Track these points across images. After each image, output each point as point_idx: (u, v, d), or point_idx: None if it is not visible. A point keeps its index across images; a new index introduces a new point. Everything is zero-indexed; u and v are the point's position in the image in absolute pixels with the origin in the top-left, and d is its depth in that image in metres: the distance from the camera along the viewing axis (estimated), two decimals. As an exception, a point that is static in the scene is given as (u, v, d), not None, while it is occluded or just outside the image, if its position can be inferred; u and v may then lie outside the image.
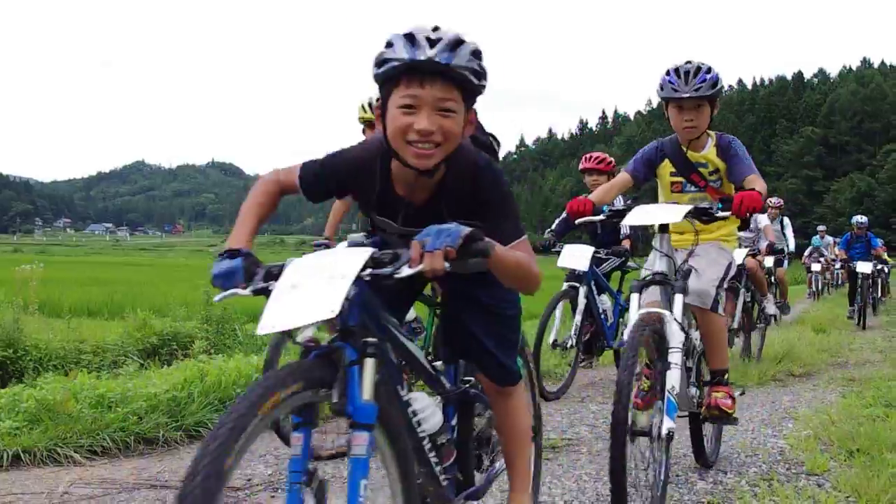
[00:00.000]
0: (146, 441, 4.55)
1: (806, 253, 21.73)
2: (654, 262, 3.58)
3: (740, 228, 4.48)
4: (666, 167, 4.14)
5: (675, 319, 3.32)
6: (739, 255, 7.52)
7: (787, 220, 12.12)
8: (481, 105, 2.22)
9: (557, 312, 6.39)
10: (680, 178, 4.11)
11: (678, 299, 3.43)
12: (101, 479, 3.94)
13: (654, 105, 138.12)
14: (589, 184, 6.55)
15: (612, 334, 6.64)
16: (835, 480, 3.93)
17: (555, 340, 6.33)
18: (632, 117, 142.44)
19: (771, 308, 8.99)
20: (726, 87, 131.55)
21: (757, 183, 3.70)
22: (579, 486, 3.92)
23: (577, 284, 6.40)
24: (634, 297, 3.54)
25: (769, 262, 9.83)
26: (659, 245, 3.58)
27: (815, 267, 20.94)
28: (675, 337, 3.29)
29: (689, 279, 3.60)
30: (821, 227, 23.82)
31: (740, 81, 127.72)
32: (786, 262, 11.70)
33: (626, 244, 6.69)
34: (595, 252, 6.44)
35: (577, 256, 6.33)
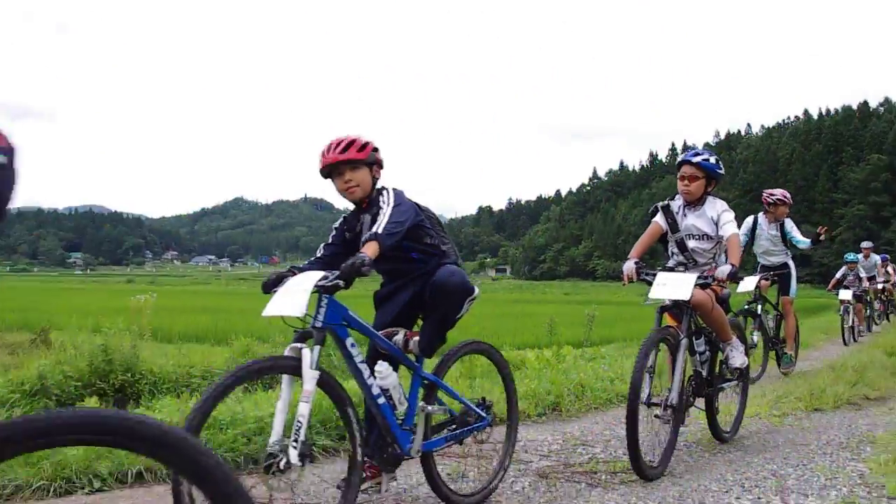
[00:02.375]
0: (255, 462, 4.61)
1: (837, 275, 15.03)
2: None
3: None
4: None
5: None
6: (682, 288, 4.61)
7: (789, 222, 8.78)
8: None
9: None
10: None
11: None
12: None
13: (722, 136, 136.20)
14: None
15: None
16: (917, 505, 3.77)
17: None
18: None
19: (737, 358, 5.31)
20: (790, 118, 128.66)
21: None
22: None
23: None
24: None
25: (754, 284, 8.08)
26: None
27: (844, 295, 13.71)
28: None
29: None
30: (865, 244, 16.03)
31: (806, 112, 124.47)
32: (794, 283, 8.90)
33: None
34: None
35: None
